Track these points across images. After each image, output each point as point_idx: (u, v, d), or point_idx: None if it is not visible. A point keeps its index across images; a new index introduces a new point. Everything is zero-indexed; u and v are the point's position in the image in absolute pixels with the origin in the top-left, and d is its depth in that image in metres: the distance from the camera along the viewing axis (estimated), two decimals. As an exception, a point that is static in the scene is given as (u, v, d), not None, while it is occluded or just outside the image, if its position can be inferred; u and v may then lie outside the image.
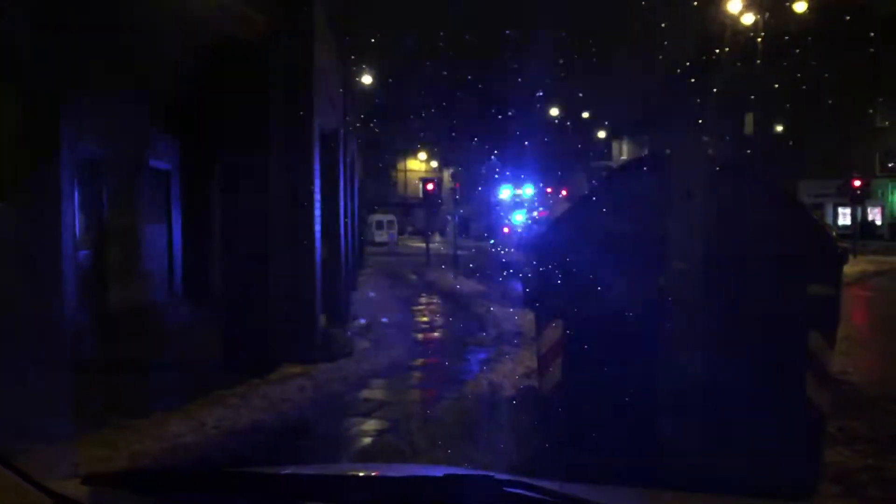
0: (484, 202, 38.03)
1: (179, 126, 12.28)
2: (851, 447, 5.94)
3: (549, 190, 35.12)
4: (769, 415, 4.96)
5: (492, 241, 35.05)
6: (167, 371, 9.13)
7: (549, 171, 57.96)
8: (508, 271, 21.54)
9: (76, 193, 9.57)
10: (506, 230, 30.03)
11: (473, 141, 56.57)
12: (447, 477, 1.45)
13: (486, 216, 34.98)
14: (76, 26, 7.57)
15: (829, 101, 39.93)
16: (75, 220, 9.68)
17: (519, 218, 30.79)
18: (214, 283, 12.36)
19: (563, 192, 36.51)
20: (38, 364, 6.82)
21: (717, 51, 37.72)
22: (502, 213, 30.25)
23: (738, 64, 36.96)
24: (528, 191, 34.90)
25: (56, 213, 8.94)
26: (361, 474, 2.05)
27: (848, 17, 37.09)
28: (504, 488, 1.39)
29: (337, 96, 14.49)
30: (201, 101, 10.05)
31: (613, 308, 5.13)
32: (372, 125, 40.17)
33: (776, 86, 38.27)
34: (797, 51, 36.02)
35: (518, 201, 33.55)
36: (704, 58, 41.48)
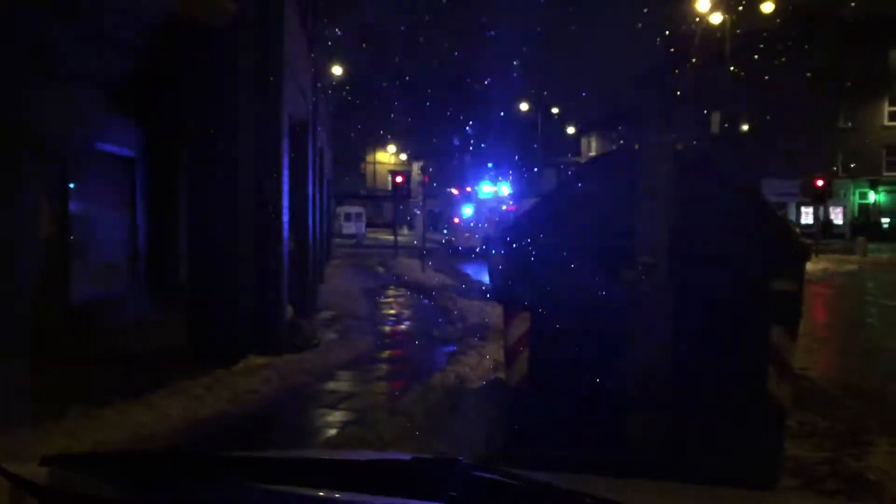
0: (449, 196, 39.80)
1: (145, 113, 12.10)
2: (811, 441, 6.06)
3: (486, 188, 37.55)
4: (731, 408, 5.03)
5: (444, 231, 36.58)
6: (130, 361, 9.02)
7: (519, 166, 58.34)
8: (476, 264, 21.59)
9: (37, 182, 9.39)
10: (456, 220, 31.88)
11: (443, 135, 56.64)
12: (415, 460, 1.44)
13: (452, 209, 36.42)
14: (43, 11, 7.43)
15: (794, 102, 40.55)
16: (37, 210, 9.50)
17: (468, 211, 32.79)
18: (180, 273, 12.22)
19: (503, 190, 38.56)
20: (-3, 353, 6.70)
21: (686, 49, 38.14)
22: (456, 207, 32.08)
23: (706, 63, 37.39)
24: (486, 188, 36.21)
25: (16, 203, 8.77)
26: (327, 458, 2.04)
27: (813, 20, 37.70)
28: (472, 472, 1.39)
29: (307, 86, 14.38)
30: (168, 88, 9.93)
31: (580, 301, 5.16)
32: (342, 116, 40.06)
33: (741, 84, 38.76)
34: (763, 51, 36.53)
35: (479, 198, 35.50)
36: (673, 56, 41.89)
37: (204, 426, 6.75)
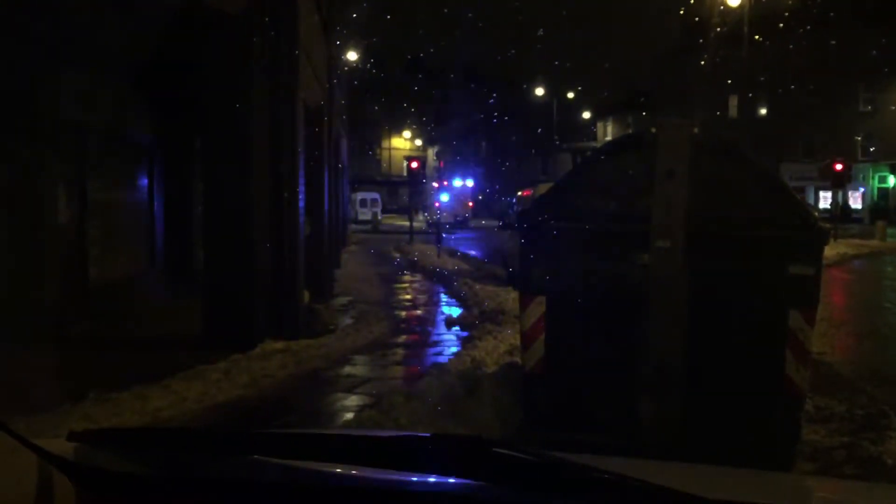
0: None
1: (161, 99, 12.14)
2: (828, 425, 6.03)
3: (457, 183, 45.86)
4: (748, 392, 5.01)
5: (425, 215, 40.96)
6: (147, 345, 9.10)
7: (534, 152, 58.32)
8: (493, 251, 21.57)
9: (55, 167, 9.44)
10: (437, 204, 37.04)
11: (459, 121, 56.61)
12: (435, 436, 1.44)
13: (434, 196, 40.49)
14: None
15: (813, 86, 40.10)
16: (56, 195, 9.55)
17: (444, 198, 38.51)
18: (196, 258, 12.28)
19: (469, 183, 46.99)
20: (17, 338, 6.77)
21: (705, 32, 37.79)
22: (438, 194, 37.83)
23: (724, 47, 37.02)
24: (457, 183, 44.37)
25: (35, 186, 8.84)
26: (346, 434, 2.03)
27: (832, 2, 37.18)
28: (492, 449, 1.38)
29: (322, 70, 14.36)
30: (183, 74, 9.93)
31: (597, 285, 5.14)
32: (358, 102, 40.13)
33: (759, 67, 38.38)
34: (782, 33, 36.10)
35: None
36: (692, 39, 41.51)
37: (221, 410, 6.80)
